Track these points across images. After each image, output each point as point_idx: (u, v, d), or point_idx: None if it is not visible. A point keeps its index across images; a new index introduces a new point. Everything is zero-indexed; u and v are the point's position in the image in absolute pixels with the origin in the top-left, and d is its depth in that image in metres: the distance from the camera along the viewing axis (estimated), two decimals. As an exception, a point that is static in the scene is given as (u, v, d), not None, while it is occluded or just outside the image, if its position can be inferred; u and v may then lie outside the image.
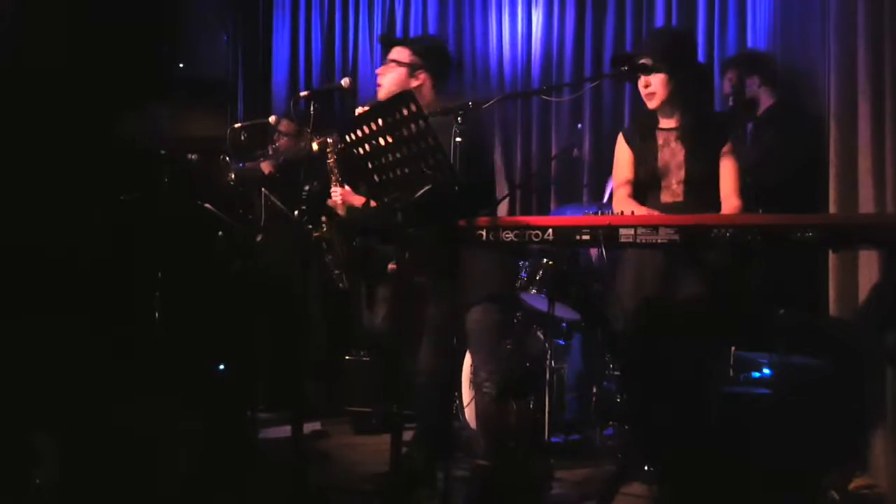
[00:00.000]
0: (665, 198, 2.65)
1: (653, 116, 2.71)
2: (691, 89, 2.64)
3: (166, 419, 2.93)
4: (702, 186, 2.60)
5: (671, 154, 2.65)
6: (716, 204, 2.60)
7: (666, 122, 2.70)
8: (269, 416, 3.86)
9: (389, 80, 2.80)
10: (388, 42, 2.93)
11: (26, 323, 3.17)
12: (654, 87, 2.61)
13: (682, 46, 2.71)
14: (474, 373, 2.84)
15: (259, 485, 2.86)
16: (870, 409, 2.72)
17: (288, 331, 3.89)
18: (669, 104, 2.64)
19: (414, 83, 2.78)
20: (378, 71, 2.84)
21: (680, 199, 2.62)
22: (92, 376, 3.17)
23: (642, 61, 2.59)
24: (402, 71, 2.80)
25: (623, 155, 2.77)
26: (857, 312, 2.83)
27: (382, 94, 2.79)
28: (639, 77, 2.63)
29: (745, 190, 2.62)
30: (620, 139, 2.80)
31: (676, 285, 2.53)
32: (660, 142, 2.68)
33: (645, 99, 2.66)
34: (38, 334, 3.17)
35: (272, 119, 3.74)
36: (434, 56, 2.85)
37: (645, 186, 2.69)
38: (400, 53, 2.82)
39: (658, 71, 2.58)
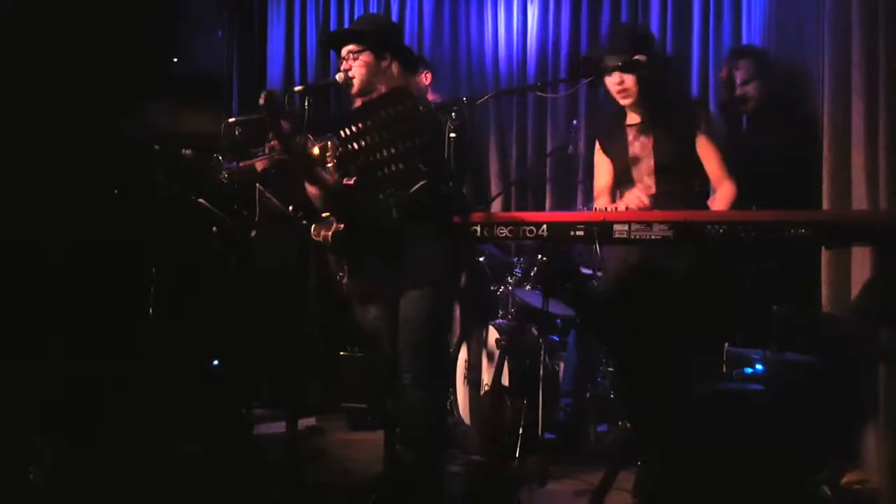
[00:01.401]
0: (639, 191, 2.67)
1: (621, 114, 2.76)
2: (654, 80, 2.68)
3: (161, 415, 2.93)
4: (673, 175, 2.65)
5: (641, 147, 2.71)
6: (690, 194, 2.64)
7: (633, 118, 2.75)
8: (264, 412, 3.87)
9: (359, 70, 2.67)
10: (335, 42, 2.83)
11: (21, 320, 3.17)
12: (627, 83, 2.64)
13: (645, 40, 2.74)
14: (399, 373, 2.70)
15: (254, 481, 2.86)
16: (862, 405, 2.73)
17: (284, 327, 3.89)
18: (641, 98, 2.69)
19: (384, 64, 2.73)
20: (343, 67, 2.75)
21: (652, 191, 2.66)
22: (86, 373, 3.16)
23: (637, 57, 2.60)
24: (367, 58, 2.72)
25: (602, 164, 2.84)
26: (849, 309, 2.84)
27: (357, 85, 2.72)
28: (609, 75, 2.66)
29: (733, 170, 2.64)
30: (598, 148, 2.86)
31: (668, 279, 2.54)
32: (629, 137, 2.73)
33: (617, 96, 2.70)
34: (32, 331, 3.16)
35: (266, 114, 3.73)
36: (383, 34, 2.79)
37: (619, 182, 2.75)
38: (351, 45, 2.75)
39: (621, 68, 2.61)
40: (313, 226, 2.82)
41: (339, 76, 2.75)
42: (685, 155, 2.65)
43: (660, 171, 2.66)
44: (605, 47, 2.78)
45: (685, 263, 2.51)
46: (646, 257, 2.60)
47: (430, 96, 3.96)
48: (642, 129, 2.71)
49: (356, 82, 2.68)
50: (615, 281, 2.72)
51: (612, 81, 2.69)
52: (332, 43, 2.85)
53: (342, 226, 2.62)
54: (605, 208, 2.64)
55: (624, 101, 2.71)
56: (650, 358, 2.59)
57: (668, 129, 2.67)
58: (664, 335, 2.57)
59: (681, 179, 2.64)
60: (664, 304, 2.53)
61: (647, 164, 2.68)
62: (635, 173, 2.71)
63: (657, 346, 2.57)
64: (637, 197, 2.51)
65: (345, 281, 2.75)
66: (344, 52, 2.73)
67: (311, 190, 2.68)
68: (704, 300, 2.51)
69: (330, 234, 2.63)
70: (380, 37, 2.72)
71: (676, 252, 2.49)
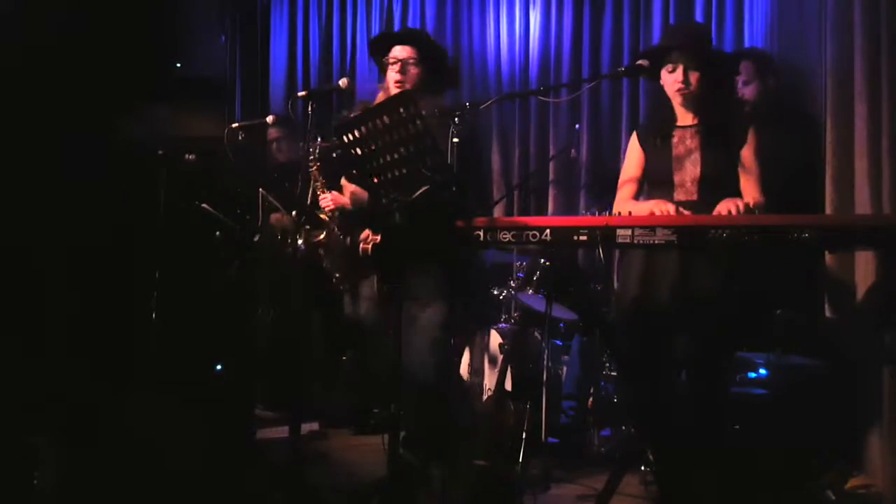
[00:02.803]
0: (679, 196, 2.60)
1: (670, 114, 2.66)
2: (717, 84, 2.60)
3: (164, 419, 2.93)
4: (717, 185, 2.54)
5: (686, 152, 2.61)
6: None
7: (684, 119, 2.65)
8: (267, 415, 3.86)
9: (413, 78, 2.74)
10: (393, 40, 2.85)
11: (26, 323, 3.17)
12: (691, 80, 2.56)
13: (708, 39, 2.68)
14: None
15: (257, 484, 2.85)
16: (866, 409, 2.73)
17: (286, 330, 3.89)
18: (697, 98, 2.60)
19: (431, 78, 2.75)
20: (396, 69, 2.75)
21: (694, 198, 2.57)
22: (90, 377, 3.17)
23: (640, 63, 2.59)
24: (421, 67, 2.75)
25: (633, 154, 2.73)
26: (853, 313, 2.83)
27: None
28: (667, 71, 2.58)
29: (768, 186, 2.56)
30: (634, 138, 2.76)
31: (683, 285, 2.50)
32: (674, 139, 2.63)
33: (676, 93, 2.60)
34: (37, 334, 3.16)
35: (269, 119, 3.75)
36: (437, 54, 2.82)
37: (658, 184, 2.65)
38: (408, 52, 2.77)
39: (688, 65, 2.55)
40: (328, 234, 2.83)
41: (342, 81, 2.76)
42: (731, 165, 2.56)
43: (704, 179, 2.56)
44: (670, 42, 2.66)
45: (697, 267, 2.47)
46: (658, 260, 2.55)
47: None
48: (692, 133, 2.61)
49: (407, 87, 2.70)
50: (625, 283, 2.69)
51: (673, 78, 2.59)
52: (387, 42, 2.85)
53: (378, 237, 2.66)
54: (627, 212, 2.59)
55: (679, 99, 2.60)
56: (656, 361, 2.57)
57: (720, 136, 2.58)
58: (676, 338, 2.54)
59: (724, 189, 2.51)
60: (677, 306, 2.48)
61: (692, 169, 2.58)
62: (677, 177, 2.60)
63: (668, 349, 2.55)
64: (664, 208, 2.43)
65: (377, 286, 2.79)
66: (400, 55, 2.74)
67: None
68: (717, 303, 2.47)
69: (370, 247, 2.69)
70: (436, 53, 2.76)
71: (688, 256, 2.45)
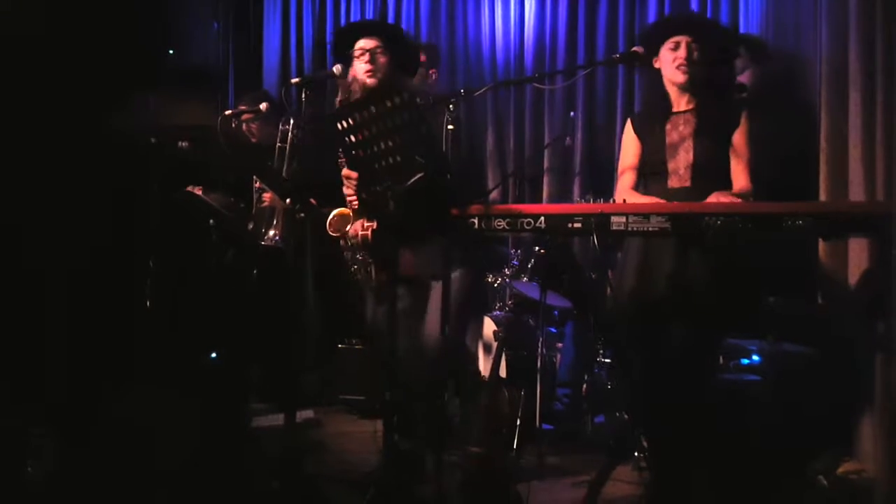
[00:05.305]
0: (672, 183, 2.60)
1: (665, 102, 2.64)
2: (718, 62, 2.58)
3: (159, 408, 2.93)
4: (710, 172, 2.54)
5: (679, 138, 2.59)
6: (725, 190, 2.54)
7: (678, 105, 2.63)
8: (262, 405, 3.87)
9: (383, 67, 2.71)
10: (358, 33, 2.83)
11: (18, 315, 3.16)
12: (694, 56, 2.53)
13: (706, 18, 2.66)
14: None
15: (253, 473, 2.86)
16: (858, 396, 2.74)
17: (282, 320, 3.89)
18: (697, 78, 2.57)
19: (399, 63, 2.74)
20: (365, 60, 2.74)
21: (687, 184, 2.57)
22: (84, 365, 3.16)
23: (636, 49, 2.59)
24: (389, 56, 2.74)
25: (629, 143, 2.72)
26: (846, 300, 2.85)
27: (380, 80, 2.71)
28: (668, 48, 2.56)
29: (757, 174, 2.55)
30: (628, 126, 2.75)
31: (680, 274, 2.50)
32: (668, 126, 2.62)
33: (677, 70, 2.57)
34: (29, 326, 3.16)
35: (263, 107, 3.72)
36: (401, 42, 2.82)
37: (652, 171, 2.65)
38: (374, 42, 2.75)
39: (693, 38, 2.52)
40: (331, 220, 2.81)
41: (335, 68, 2.74)
42: (724, 151, 2.55)
43: (697, 165, 2.55)
44: (673, 19, 2.65)
45: (694, 255, 2.47)
46: (657, 249, 2.55)
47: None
48: (686, 119, 2.59)
49: (380, 77, 2.68)
50: (623, 271, 2.69)
51: (674, 55, 2.56)
52: (351, 35, 2.82)
53: (374, 223, 2.65)
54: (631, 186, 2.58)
55: (680, 79, 2.56)
56: (653, 349, 2.58)
57: (714, 121, 2.56)
58: (671, 327, 2.54)
59: (719, 176, 2.52)
60: (675, 295, 2.48)
61: (685, 156, 2.57)
62: (671, 164, 2.58)
63: (662, 338, 2.55)
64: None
65: (373, 276, 2.76)
66: (368, 45, 2.72)
67: None
68: (713, 292, 2.47)
69: (369, 233, 2.68)
70: (400, 37, 2.74)
71: (686, 244, 2.44)
